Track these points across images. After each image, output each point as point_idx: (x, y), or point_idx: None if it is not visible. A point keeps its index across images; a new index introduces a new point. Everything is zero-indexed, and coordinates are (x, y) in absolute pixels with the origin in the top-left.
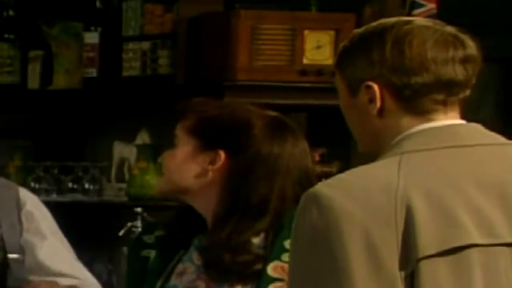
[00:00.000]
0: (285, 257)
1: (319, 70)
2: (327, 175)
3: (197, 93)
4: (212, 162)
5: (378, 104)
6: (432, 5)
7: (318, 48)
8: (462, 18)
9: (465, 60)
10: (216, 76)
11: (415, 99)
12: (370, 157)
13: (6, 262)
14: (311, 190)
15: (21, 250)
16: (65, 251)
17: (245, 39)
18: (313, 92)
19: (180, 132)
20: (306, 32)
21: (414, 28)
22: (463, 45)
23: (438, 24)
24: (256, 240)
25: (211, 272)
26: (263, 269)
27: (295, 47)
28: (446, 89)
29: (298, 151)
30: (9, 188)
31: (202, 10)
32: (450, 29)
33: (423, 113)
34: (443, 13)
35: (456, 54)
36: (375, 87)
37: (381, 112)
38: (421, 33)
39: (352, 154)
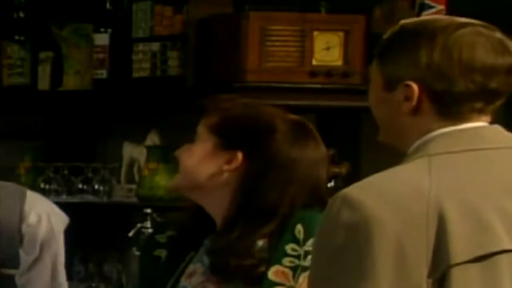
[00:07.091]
0: (286, 261)
1: (329, 71)
2: (337, 176)
3: (206, 94)
4: (229, 162)
5: (414, 103)
6: (441, 7)
7: (328, 49)
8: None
9: (510, 70)
10: (225, 77)
11: (453, 105)
12: (381, 159)
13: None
14: (342, 192)
15: (15, 265)
16: (48, 277)
17: (254, 41)
18: (323, 93)
19: (201, 129)
20: (315, 33)
21: (465, 34)
22: (510, 53)
23: (488, 28)
24: (260, 243)
25: (216, 275)
26: (265, 273)
27: (305, 48)
28: (487, 98)
29: (317, 158)
30: (15, 195)
31: (212, 11)
32: (499, 35)
33: (456, 118)
34: (452, 15)
35: (503, 63)
36: (415, 87)
37: (414, 111)
38: (472, 41)
39: (362, 155)
